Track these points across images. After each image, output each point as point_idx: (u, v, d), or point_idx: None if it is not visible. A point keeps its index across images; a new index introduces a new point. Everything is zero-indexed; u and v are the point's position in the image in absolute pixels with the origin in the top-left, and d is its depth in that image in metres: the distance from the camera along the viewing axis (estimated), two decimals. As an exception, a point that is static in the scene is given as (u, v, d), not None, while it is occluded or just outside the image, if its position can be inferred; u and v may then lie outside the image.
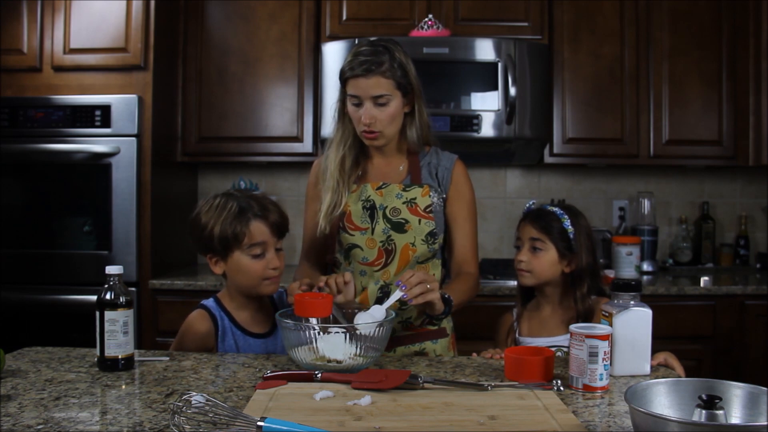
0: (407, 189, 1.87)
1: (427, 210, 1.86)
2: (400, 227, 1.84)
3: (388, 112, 1.81)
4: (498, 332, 2.01)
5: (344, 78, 1.82)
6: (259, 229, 1.75)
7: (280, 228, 1.80)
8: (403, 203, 1.86)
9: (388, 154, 1.93)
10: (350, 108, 1.84)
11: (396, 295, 1.63)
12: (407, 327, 1.89)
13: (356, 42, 2.99)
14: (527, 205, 1.98)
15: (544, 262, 1.85)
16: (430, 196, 1.87)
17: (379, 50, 1.80)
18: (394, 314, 1.58)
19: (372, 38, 1.92)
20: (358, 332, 1.49)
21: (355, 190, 1.89)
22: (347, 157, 1.89)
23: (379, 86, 1.78)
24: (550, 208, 1.91)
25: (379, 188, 1.88)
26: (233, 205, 1.75)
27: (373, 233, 1.85)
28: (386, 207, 1.86)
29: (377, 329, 1.50)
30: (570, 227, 1.86)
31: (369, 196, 1.87)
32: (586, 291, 1.84)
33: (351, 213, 1.87)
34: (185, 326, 1.80)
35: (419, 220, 1.85)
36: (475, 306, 2.43)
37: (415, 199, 1.86)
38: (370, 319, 1.57)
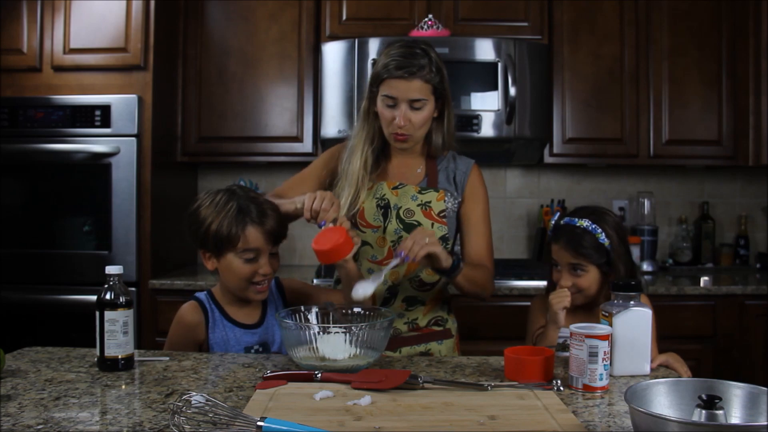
0: (423, 192, 1.87)
1: (441, 215, 1.86)
2: (412, 229, 1.82)
3: (422, 116, 1.79)
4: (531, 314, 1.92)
5: (381, 78, 1.78)
6: (254, 236, 1.72)
7: (276, 236, 1.77)
8: (418, 205, 1.85)
9: (408, 155, 1.91)
10: (382, 108, 1.80)
11: (395, 260, 1.62)
12: (413, 328, 1.89)
13: (356, 42, 2.99)
14: (552, 220, 1.88)
15: (590, 280, 1.78)
16: (444, 201, 1.86)
17: (418, 53, 1.76)
18: (394, 315, 1.58)
19: (406, 38, 1.89)
20: (356, 329, 1.48)
21: (370, 187, 1.87)
22: (370, 157, 1.86)
23: (419, 90, 1.75)
24: (579, 222, 1.79)
25: (395, 188, 1.87)
26: (233, 206, 1.72)
27: (384, 232, 1.85)
28: (400, 207, 1.85)
29: (376, 330, 1.50)
30: (605, 240, 1.76)
31: (384, 194, 1.87)
32: None
33: (364, 210, 1.86)
34: (176, 317, 1.80)
35: (432, 224, 1.84)
36: (475, 306, 2.44)
37: (429, 202, 1.86)
38: (370, 284, 1.59)
